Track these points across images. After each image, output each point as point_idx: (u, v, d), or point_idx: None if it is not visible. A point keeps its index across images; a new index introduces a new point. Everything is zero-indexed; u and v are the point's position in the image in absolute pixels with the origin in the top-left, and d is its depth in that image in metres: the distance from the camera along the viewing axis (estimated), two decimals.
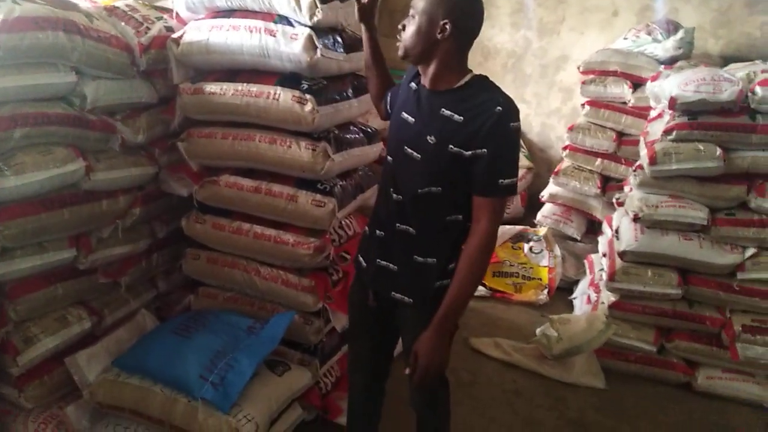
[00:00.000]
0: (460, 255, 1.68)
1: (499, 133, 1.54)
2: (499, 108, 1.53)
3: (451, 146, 1.57)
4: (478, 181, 1.59)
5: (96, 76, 2.15)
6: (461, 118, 1.57)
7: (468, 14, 1.58)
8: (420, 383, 1.64)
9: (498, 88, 1.61)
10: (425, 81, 1.66)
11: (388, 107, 1.92)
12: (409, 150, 1.66)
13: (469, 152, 1.56)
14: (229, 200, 2.37)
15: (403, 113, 1.70)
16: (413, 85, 1.71)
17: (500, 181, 1.56)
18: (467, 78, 1.62)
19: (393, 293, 1.77)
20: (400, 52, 1.65)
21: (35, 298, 2.08)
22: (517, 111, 1.57)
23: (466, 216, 1.67)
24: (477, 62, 5.29)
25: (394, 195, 1.71)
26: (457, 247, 1.74)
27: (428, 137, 1.60)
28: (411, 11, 1.59)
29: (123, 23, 2.28)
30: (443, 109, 1.59)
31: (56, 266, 2.14)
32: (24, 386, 2.07)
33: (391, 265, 1.76)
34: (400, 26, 1.64)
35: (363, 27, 1.97)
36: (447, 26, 1.54)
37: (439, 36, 1.55)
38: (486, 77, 1.64)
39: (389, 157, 1.76)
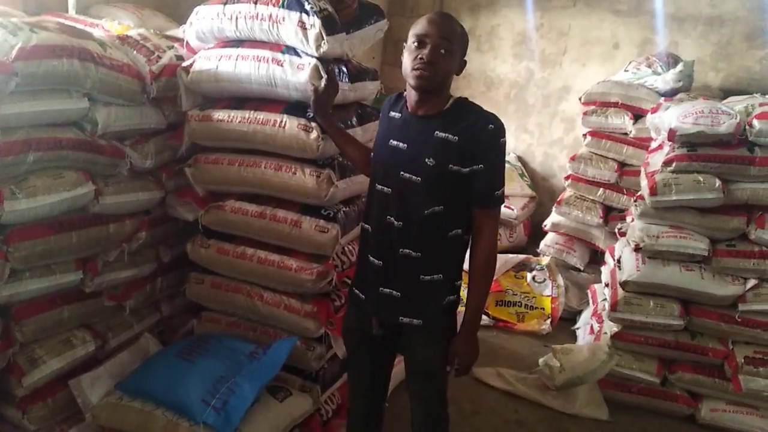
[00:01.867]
0: (462, 270, 1.81)
1: (493, 149, 1.68)
2: (491, 126, 1.66)
3: (450, 165, 1.66)
4: (477, 195, 1.70)
5: (107, 103, 2.19)
6: (456, 138, 1.66)
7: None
8: (463, 374, 1.84)
9: (481, 108, 1.73)
10: (418, 108, 1.72)
11: None
12: (407, 174, 1.71)
13: (467, 169, 1.67)
14: (233, 225, 2.40)
15: (392, 141, 1.76)
16: (395, 114, 1.79)
17: (495, 192, 1.71)
18: (452, 101, 1.73)
19: (401, 318, 1.79)
20: (426, 84, 1.65)
21: (41, 320, 2.10)
22: (504, 127, 1.70)
23: (464, 229, 1.76)
24: (480, 92, 5.38)
25: (396, 222, 1.74)
26: (460, 261, 1.82)
27: (426, 159, 1.68)
28: (444, 45, 1.62)
29: (135, 52, 2.34)
30: (437, 132, 1.68)
31: (63, 288, 2.17)
32: (28, 408, 2.08)
33: (394, 292, 1.79)
34: (424, 57, 1.62)
35: (321, 121, 2.11)
36: (465, 62, 1.73)
37: (456, 72, 1.71)
38: (466, 98, 1.75)
39: (382, 187, 1.78)
